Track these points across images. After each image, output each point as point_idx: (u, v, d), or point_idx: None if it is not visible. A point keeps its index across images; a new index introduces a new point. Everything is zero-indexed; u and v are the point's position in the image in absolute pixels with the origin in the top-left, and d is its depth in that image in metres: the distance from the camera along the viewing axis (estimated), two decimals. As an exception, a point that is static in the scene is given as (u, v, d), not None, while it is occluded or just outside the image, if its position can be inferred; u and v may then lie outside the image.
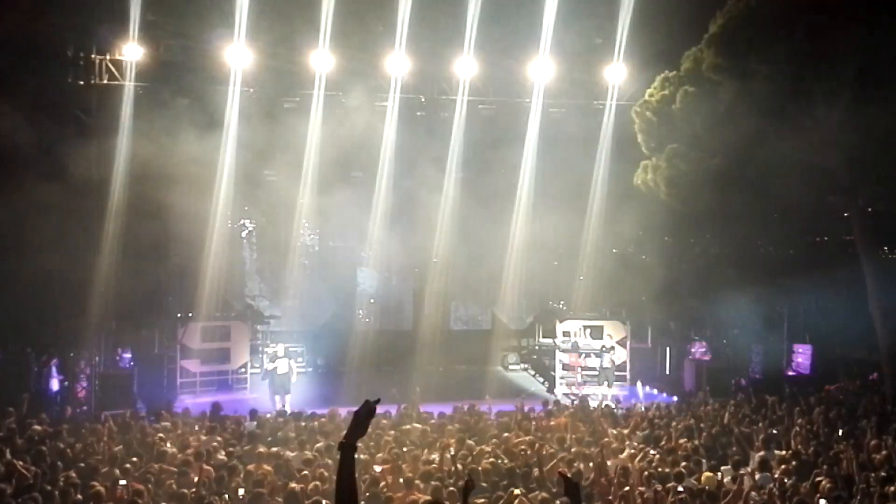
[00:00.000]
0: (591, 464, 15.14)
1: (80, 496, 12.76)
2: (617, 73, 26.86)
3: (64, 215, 22.76)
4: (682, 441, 16.97)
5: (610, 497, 12.94)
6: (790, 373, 25.72)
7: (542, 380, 28.00)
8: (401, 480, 13.63)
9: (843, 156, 22.45)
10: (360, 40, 25.91)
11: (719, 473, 14.62)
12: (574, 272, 28.64)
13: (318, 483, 13.34)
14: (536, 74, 26.67)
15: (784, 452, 15.89)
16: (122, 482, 13.00)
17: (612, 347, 25.96)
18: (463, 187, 27.34)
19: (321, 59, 25.56)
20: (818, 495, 13.08)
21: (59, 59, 24.96)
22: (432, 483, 13.24)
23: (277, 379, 23.74)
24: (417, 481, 13.49)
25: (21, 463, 14.31)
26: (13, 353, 22.46)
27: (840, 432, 17.49)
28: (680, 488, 13.38)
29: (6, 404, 17.52)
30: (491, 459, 15.04)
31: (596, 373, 25.98)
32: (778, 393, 20.82)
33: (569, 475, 6.20)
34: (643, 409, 20.42)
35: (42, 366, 23.80)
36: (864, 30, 20.67)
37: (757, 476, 14.20)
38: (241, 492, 13.40)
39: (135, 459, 14.82)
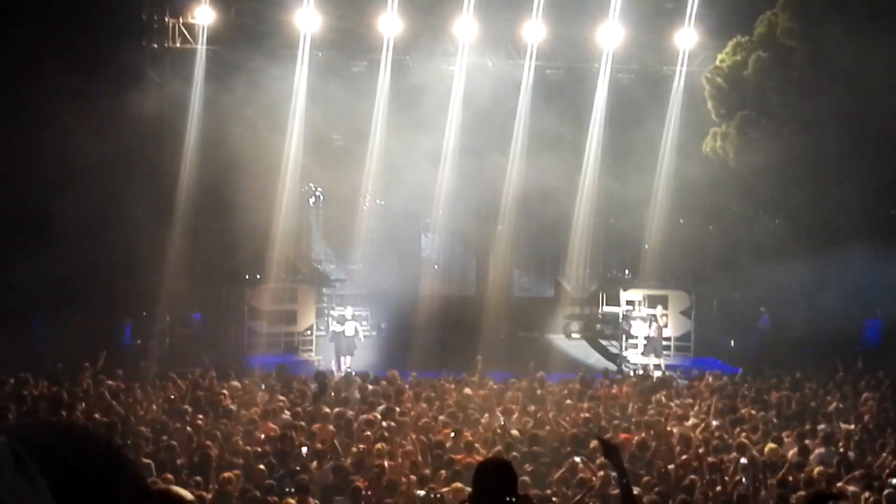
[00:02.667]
0: (652, 432, 15.13)
1: (151, 448, 13.18)
2: (687, 38, 26.39)
3: (136, 176, 23.23)
4: (744, 411, 16.85)
5: (671, 465, 12.94)
6: (859, 347, 25.22)
7: (603, 348, 27.88)
8: (461, 445, 13.79)
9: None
10: (429, 4, 25.89)
11: (785, 446, 14.49)
12: (639, 241, 28.37)
13: (382, 445, 13.57)
14: (605, 39, 26.35)
15: (851, 426, 15.68)
16: None
17: (659, 316, 25.47)
18: (529, 153, 27.19)
19: (390, 22, 25.59)
20: (885, 472, 12.90)
21: (133, 23, 25.39)
22: (496, 448, 13.36)
23: (344, 341, 24.07)
24: (478, 445, 13.65)
25: (96, 416, 14.83)
26: (91, 312, 23.05)
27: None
28: (742, 460, 13.33)
29: (85, 360, 18.05)
30: (551, 427, 15.12)
31: (644, 342, 25.65)
32: (846, 367, 20.47)
33: (608, 441, 6.18)
34: (709, 379, 20.25)
35: (118, 324, 24.47)
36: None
37: (821, 449, 14.05)
38: (304, 450, 13.70)
39: (201, 416, 15.20)
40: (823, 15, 22.54)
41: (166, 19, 25.78)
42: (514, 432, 14.64)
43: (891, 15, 21.30)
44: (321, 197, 31.04)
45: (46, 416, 14.58)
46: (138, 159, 23.94)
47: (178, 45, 25.85)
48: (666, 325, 25.75)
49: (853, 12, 21.88)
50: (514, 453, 13.27)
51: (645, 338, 25.59)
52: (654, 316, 25.40)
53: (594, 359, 26.52)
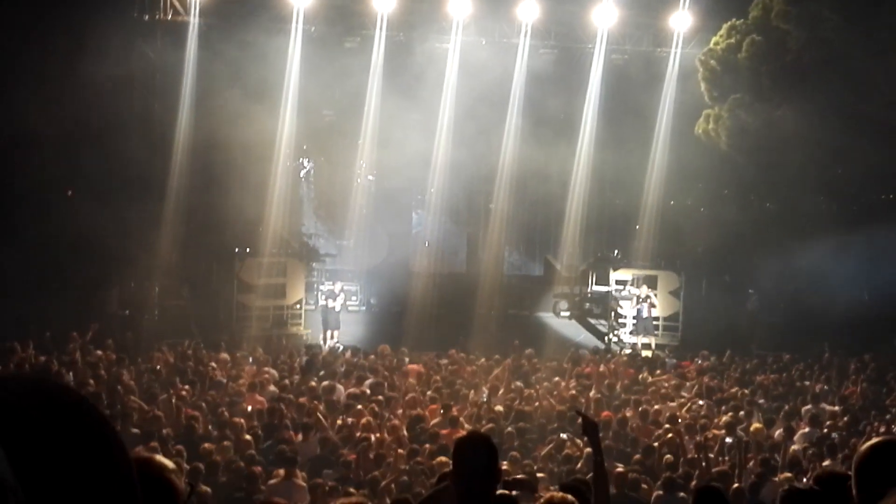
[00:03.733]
0: (638, 410, 15.21)
1: (137, 418, 13.18)
2: (682, 20, 26.32)
3: (127, 148, 23.14)
4: (730, 392, 16.95)
5: (656, 444, 13.01)
6: (848, 329, 25.32)
7: (592, 327, 27.94)
8: (447, 420, 13.84)
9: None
10: (424, -20, 25.75)
11: (770, 426, 14.58)
12: (631, 221, 28.39)
13: (369, 419, 13.62)
14: (600, 20, 26.26)
15: (835, 408, 15.79)
16: None
17: (648, 297, 25.50)
18: (523, 133, 27.15)
19: (383, -1, 25.47)
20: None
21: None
22: (488, 426, 13.38)
23: (332, 315, 24.16)
24: (462, 420, 13.71)
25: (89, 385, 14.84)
26: (80, 283, 23.00)
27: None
28: (728, 439, 13.41)
29: (73, 330, 18.02)
30: (537, 403, 15.19)
31: (634, 321, 25.70)
32: (831, 348, 20.61)
33: (588, 417, 6.16)
34: (697, 360, 20.36)
35: (107, 293, 24.43)
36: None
37: (806, 430, 14.15)
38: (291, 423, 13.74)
39: (187, 387, 15.22)
40: (818, -2, 22.54)
41: (158, -10, 25.60)
42: (499, 408, 14.71)
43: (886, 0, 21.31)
44: (312, 172, 30.96)
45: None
46: (130, 131, 23.82)
47: (169, 17, 25.65)
48: (654, 306, 25.75)
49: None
50: (509, 428, 13.34)
51: (634, 317, 25.64)
52: (647, 296, 25.39)
53: (583, 336, 26.60)
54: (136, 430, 12.41)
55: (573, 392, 16.21)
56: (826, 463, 12.06)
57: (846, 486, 5.32)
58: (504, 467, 10.80)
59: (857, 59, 21.74)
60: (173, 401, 14.17)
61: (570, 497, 4.78)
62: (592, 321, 28.06)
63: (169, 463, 2.57)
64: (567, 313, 28.97)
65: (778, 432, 14.10)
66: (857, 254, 22.48)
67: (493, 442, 4.61)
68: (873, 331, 23.09)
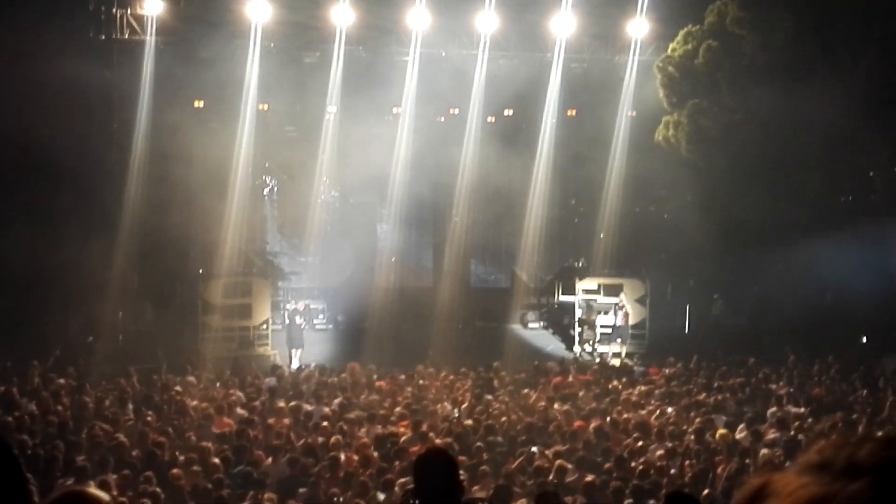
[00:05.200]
0: (608, 420, 15.25)
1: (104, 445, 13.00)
2: (639, 27, 26.54)
3: (85, 170, 22.89)
4: (700, 397, 17.04)
5: (626, 454, 13.04)
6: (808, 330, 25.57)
7: (560, 338, 27.98)
8: (416, 436, 13.79)
9: (868, 114, 22.18)
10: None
11: (737, 431, 14.66)
12: (594, 230, 28.50)
13: (338, 437, 13.54)
14: (558, 29, 26.41)
15: (800, 410, 15.93)
16: None
17: (623, 305, 25.55)
18: (484, 144, 27.22)
19: (342, 13, 25.42)
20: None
21: (80, 14, 24.99)
22: (448, 440, 13.36)
23: (296, 333, 24.01)
24: (432, 435, 13.67)
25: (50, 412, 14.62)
26: (39, 308, 22.70)
27: (864, 392, 17.41)
28: (696, 445, 13.47)
29: (34, 358, 17.76)
30: (504, 418, 15.18)
31: (610, 331, 25.76)
32: (795, 350, 20.79)
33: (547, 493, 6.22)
34: (665, 370, 20.41)
35: (68, 320, 24.10)
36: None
37: (771, 434, 14.25)
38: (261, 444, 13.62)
39: (151, 413, 15.04)
40: (773, 5, 22.81)
41: (114, 10, 25.37)
42: (468, 422, 14.68)
43: (839, 6, 21.62)
44: (275, 189, 30.83)
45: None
46: (86, 153, 23.56)
47: (126, 36, 25.45)
48: (628, 314, 25.73)
49: (802, 2, 22.18)
50: (478, 443, 13.30)
51: (610, 326, 25.63)
52: (621, 304, 25.41)
53: (552, 347, 26.62)
54: (98, 458, 12.25)
55: (542, 404, 16.20)
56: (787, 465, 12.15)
57: None
58: (476, 489, 10.82)
59: (812, 63, 22.03)
60: (139, 426, 14.01)
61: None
62: (560, 331, 28.09)
63: (103, 495, 2.56)
64: (535, 324, 29.00)
65: (742, 436, 14.18)
66: (820, 256, 22.72)
67: (452, 456, 4.58)
68: (837, 332, 23.35)
